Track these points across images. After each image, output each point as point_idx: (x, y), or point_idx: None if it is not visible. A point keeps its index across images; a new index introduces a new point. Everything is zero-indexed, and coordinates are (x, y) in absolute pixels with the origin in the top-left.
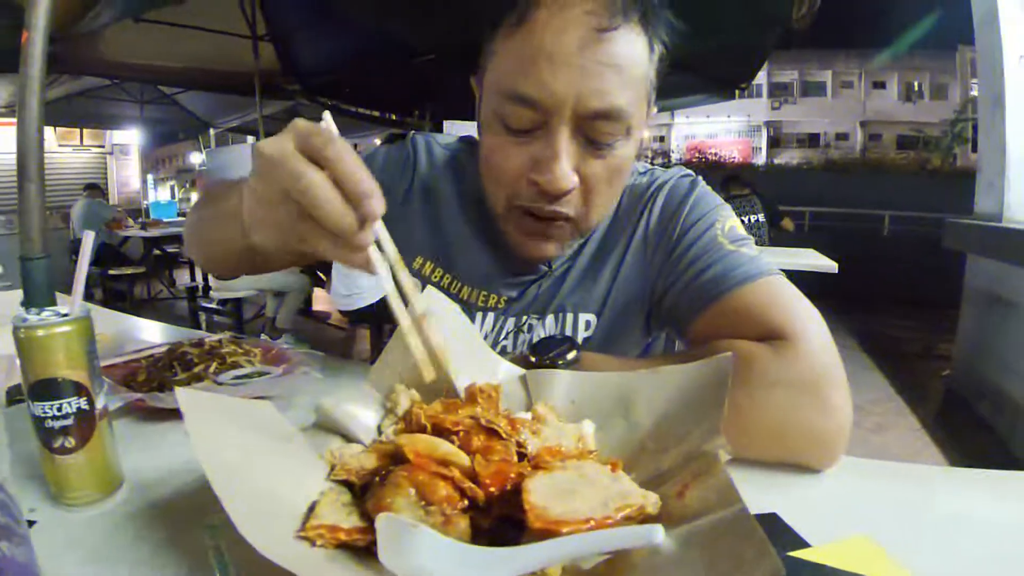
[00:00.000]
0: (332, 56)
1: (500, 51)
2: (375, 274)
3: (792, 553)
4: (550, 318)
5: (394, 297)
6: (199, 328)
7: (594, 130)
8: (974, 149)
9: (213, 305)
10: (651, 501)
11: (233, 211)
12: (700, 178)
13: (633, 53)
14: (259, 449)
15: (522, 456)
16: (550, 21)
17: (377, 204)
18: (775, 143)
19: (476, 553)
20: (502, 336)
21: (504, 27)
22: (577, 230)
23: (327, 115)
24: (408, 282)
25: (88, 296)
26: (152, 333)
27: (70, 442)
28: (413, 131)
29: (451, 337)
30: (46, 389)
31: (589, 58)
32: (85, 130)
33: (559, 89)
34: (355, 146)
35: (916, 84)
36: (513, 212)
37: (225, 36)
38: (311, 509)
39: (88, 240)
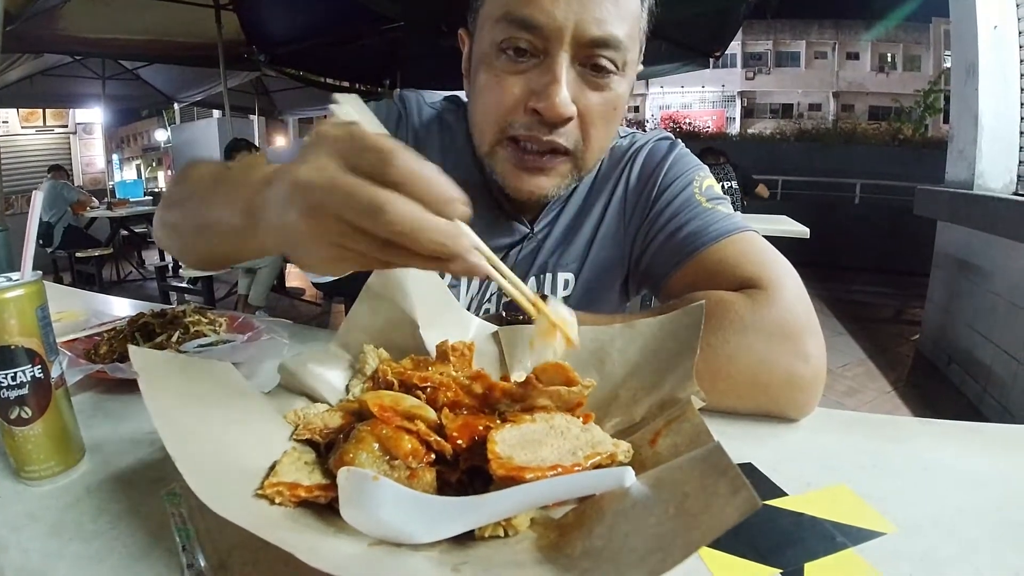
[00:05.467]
0: (298, 25)
1: None
2: (482, 278)
3: (770, 502)
4: (532, 280)
5: (514, 291)
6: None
7: (593, 59)
8: (945, 120)
9: (184, 284)
10: (623, 449)
11: (243, 230)
12: (679, 140)
13: None
14: (218, 409)
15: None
16: None
17: (464, 208)
18: (749, 113)
19: (438, 503)
20: (485, 299)
21: None
22: (575, 167)
23: (346, 98)
24: (510, 273)
25: (57, 280)
26: (122, 309)
27: (26, 412)
28: (399, 88)
29: (420, 294)
30: None
31: None
32: (48, 110)
33: (559, 14)
34: (324, 118)
35: (889, 56)
36: (505, 145)
37: (187, 6)
38: (272, 468)
39: (37, 199)
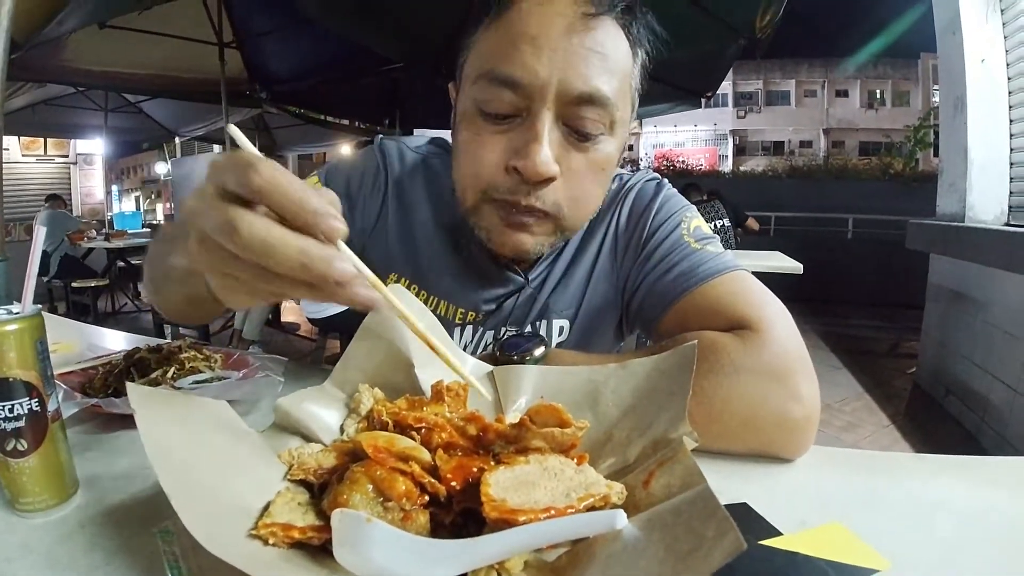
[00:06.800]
0: (300, 63)
1: (480, 41)
2: (371, 308)
3: (764, 542)
4: (528, 328)
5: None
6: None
7: (578, 117)
8: (935, 154)
9: None
10: (616, 491)
11: (186, 272)
12: (666, 180)
13: (618, 47)
14: (213, 447)
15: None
16: (534, 8)
17: (337, 223)
18: (741, 151)
19: (431, 546)
20: (480, 348)
21: (486, 19)
22: (557, 228)
23: (232, 128)
24: (399, 305)
25: (52, 310)
26: (116, 342)
27: (22, 444)
28: (380, 135)
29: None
30: None
31: (575, 42)
32: (49, 140)
33: (543, 71)
34: (323, 155)
35: (878, 92)
36: (487, 204)
37: (191, 43)
38: (265, 508)
39: (40, 233)
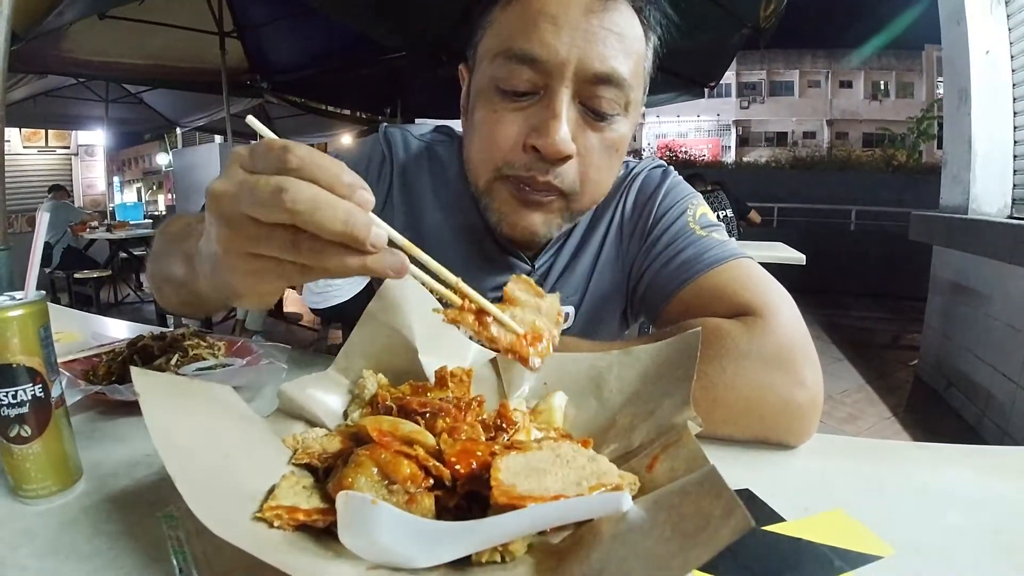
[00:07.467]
0: (301, 53)
1: (497, 21)
2: (404, 275)
3: (768, 528)
4: None
5: (435, 286)
6: None
7: (595, 96)
8: (939, 146)
9: None
10: (629, 481)
11: (188, 275)
12: (672, 168)
13: (633, 29)
14: (218, 432)
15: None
16: None
17: (368, 194)
18: (744, 142)
19: (437, 528)
20: None
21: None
22: (567, 208)
23: (252, 120)
24: (433, 262)
25: (54, 300)
26: (120, 331)
27: (26, 431)
28: (384, 124)
29: (419, 320)
30: (0, 375)
31: (594, 23)
32: (50, 131)
33: (562, 49)
34: (324, 145)
35: (882, 83)
36: (501, 182)
37: (192, 33)
38: (270, 492)
39: (43, 220)
